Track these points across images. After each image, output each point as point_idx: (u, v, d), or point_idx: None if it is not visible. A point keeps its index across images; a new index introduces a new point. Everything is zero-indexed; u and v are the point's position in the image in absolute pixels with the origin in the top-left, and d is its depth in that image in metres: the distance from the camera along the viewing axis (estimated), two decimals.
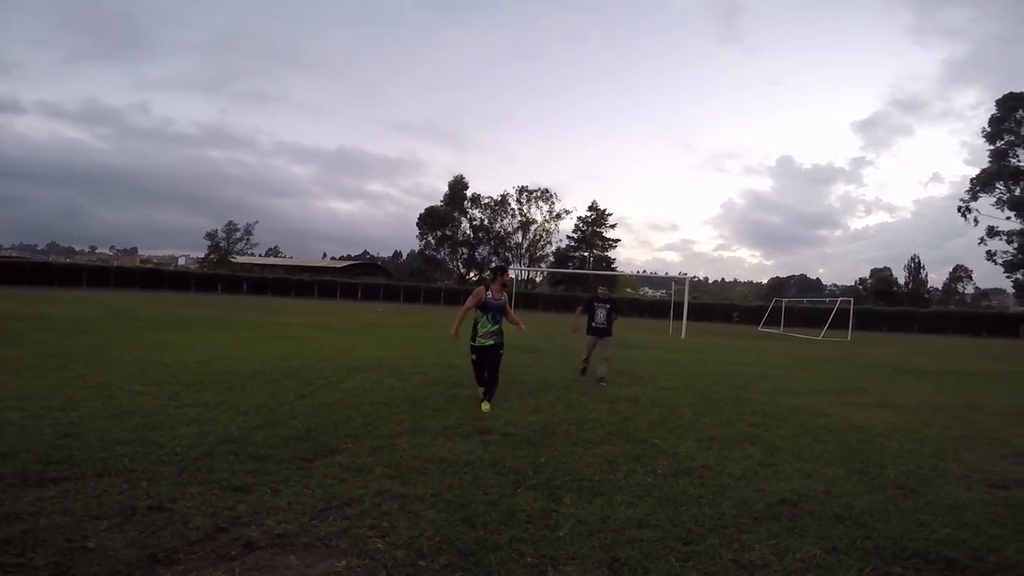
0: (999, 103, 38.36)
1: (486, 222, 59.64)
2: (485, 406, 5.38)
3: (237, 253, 63.47)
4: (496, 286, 5.66)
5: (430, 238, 59.52)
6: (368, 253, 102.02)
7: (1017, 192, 36.70)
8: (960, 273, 59.01)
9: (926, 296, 56.24)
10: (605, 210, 59.41)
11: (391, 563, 2.32)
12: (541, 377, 7.75)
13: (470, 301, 5.57)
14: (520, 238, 60.00)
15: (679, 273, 30.35)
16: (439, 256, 60.42)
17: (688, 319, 23.26)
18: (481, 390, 5.62)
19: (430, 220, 58.76)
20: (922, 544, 2.72)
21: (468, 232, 59.80)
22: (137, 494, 2.84)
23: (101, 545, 2.29)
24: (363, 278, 55.33)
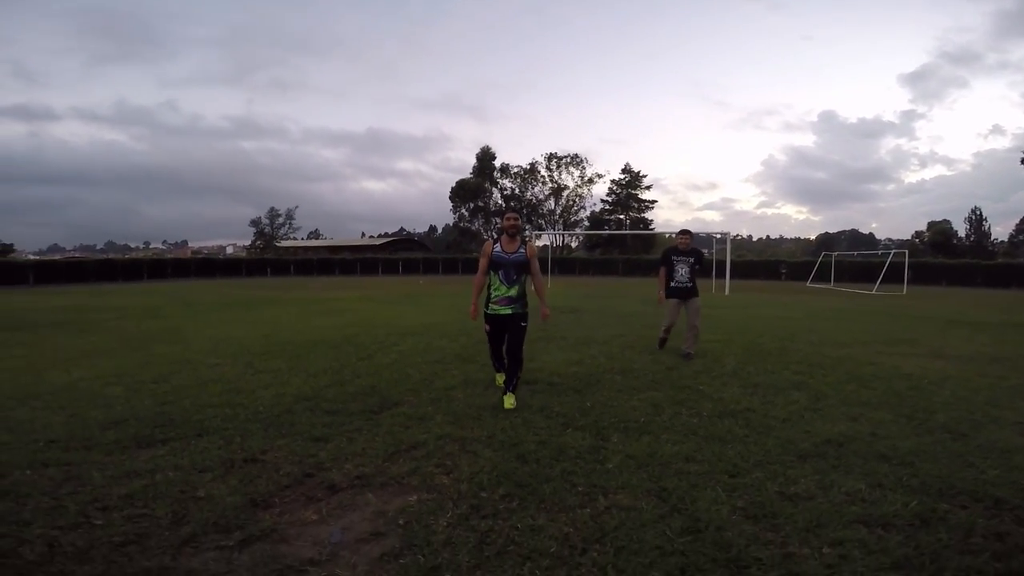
0: None
1: (517, 191, 59.29)
2: (508, 400, 4.12)
3: (281, 238, 65.76)
4: (505, 237, 4.27)
5: (463, 210, 59.79)
6: (404, 229, 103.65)
7: None
8: None
9: (990, 249, 52.37)
10: (639, 172, 57.89)
11: (456, 495, 2.60)
12: (583, 334, 7.92)
13: (481, 263, 4.32)
14: (553, 205, 59.43)
15: (720, 232, 29.38)
16: (473, 227, 60.70)
17: (732, 277, 22.74)
18: (499, 375, 4.63)
19: (461, 193, 58.90)
20: (970, 484, 2.75)
21: (500, 202, 59.68)
22: (233, 449, 3.22)
23: (209, 494, 2.62)
24: (402, 253, 56.47)
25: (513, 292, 4.23)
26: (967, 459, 3.09)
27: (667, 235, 64.07)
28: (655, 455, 3.10)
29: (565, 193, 58.83)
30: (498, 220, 60.58)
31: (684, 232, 6.50)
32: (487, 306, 4.33)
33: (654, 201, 58.93)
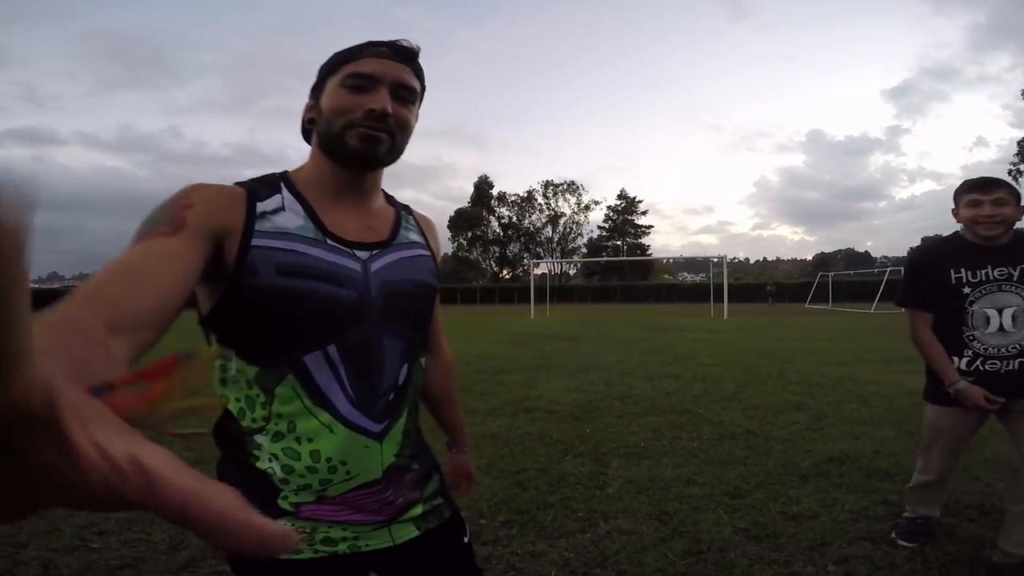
0: None
1: (514, 219, 60.06)
2: None
3: None
4: (327, 166, 0.82)
5: (461, 240, 60.38)
6: None
7: None
8: None
9: None
10: (635, 197, 58.92)
11: None
12: (582, 361, 7.89)
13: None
14: (550, 232, 60.09)
15: (717, 256, 29.75)
16: (472, 256, 61.15)
17: (730, 301, 22.81)
18: None
19: (460, 222, 59.63)
20: (976, 497, 2.73)
21: (498, 231, 60.34)
22: None
23: None
24: None
25: (396, 437, 0.82)
26: (972, 473, 3.06)
27: (665, 260, 64.44)
28: (655, 479, 3.06)
29: (562, 220, 59.61)
30: (496, 249, 60.99)
31: (987, 185, 2.01)
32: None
33: (650, 226, 59.78)
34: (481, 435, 4.02)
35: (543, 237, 60.09)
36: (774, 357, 8.10)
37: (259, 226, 0.74)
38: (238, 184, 0.78)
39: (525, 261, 55.28)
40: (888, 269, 28.59)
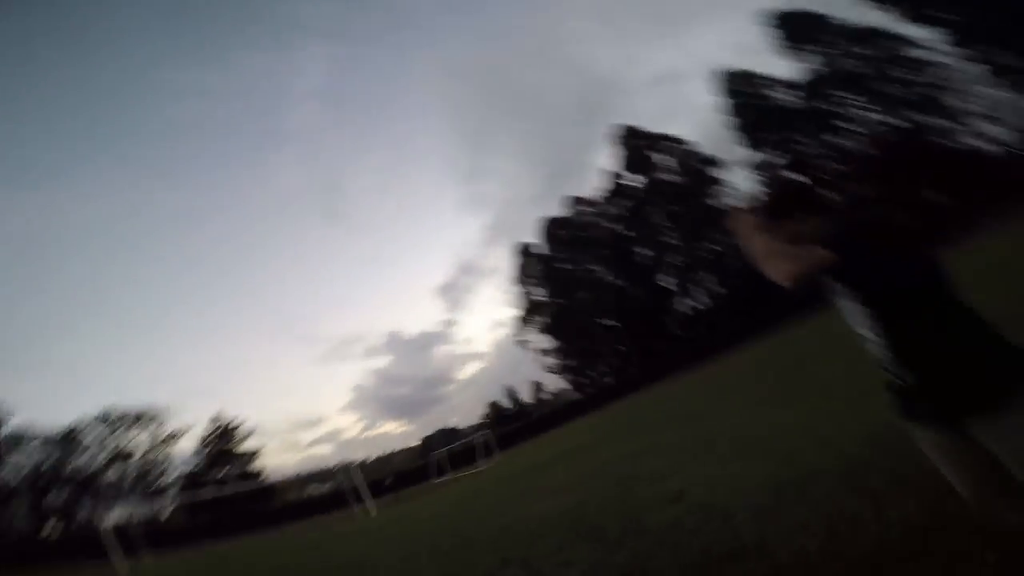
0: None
1: (51, 463, 42.77)
2: None
3: None
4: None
5: None
6: None
7: None
8: None
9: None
10: (231, 423, 51.88)
11: None
12: None
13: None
14: (119, 475, 45.38)
15: (336, 463, 29.35)
16: None
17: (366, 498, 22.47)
18: None
19: None
20: None
21: (20, 480, 41.20)
22: None
23: None
24: None
25: None
26: None
27: (284, 480, 57.35)
28: None
29: (134, 459, 46.24)
30: (26, 500, 39.68)
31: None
32: None
33: (258, 450, 52.94)
34: None
35: (106, 480, 44.55)
36: (447, 533, 8.58)
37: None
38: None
39: (83, 509, 39.10)
40: (478, 433, 35.08)
